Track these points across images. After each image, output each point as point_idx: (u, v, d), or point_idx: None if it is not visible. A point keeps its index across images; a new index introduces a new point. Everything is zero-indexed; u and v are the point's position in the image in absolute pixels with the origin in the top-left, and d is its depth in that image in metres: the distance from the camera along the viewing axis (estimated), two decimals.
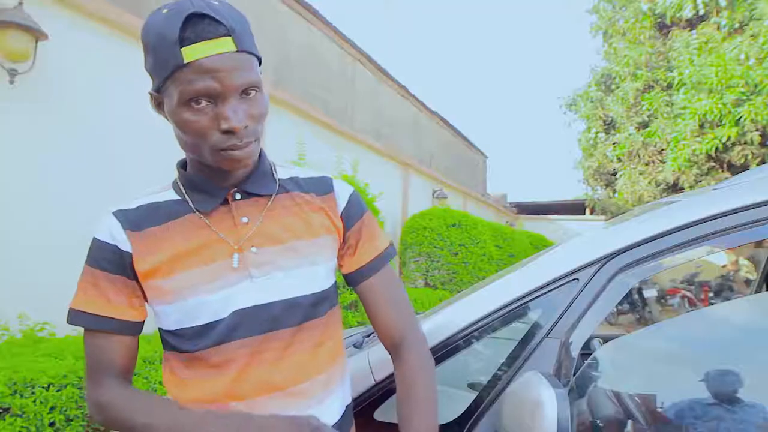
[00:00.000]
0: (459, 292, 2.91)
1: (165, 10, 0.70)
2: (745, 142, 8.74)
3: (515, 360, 0.99)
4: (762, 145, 8.82)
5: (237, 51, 0.70)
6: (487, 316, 1.03)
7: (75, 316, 0.79)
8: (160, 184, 0.88)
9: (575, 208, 17.34)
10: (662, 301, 8.10)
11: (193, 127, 0.72)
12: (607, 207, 12.89)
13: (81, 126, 3.48)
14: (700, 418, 1.01)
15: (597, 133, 12.19)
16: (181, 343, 0.79)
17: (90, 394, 0.80)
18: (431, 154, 11.04)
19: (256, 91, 0.74)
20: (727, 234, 0.94)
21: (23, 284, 3.11)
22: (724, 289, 8.21)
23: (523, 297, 1.02)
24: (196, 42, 0.68)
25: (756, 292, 2.16)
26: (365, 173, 5.91)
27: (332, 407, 0.86)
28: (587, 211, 15.94)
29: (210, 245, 0.79)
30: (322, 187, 0.90)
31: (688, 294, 8.13)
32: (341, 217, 0.89)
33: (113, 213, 0.81)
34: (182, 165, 0.87)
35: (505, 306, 1.03)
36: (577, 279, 0.99)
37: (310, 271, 0.83)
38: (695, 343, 1.14)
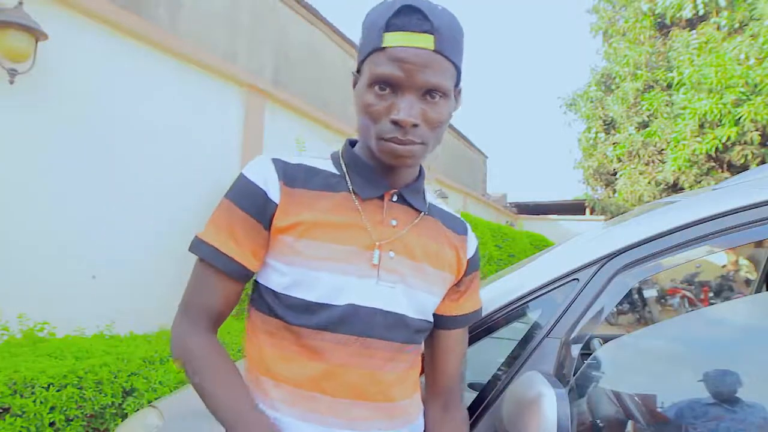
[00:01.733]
0: None
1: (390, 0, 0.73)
2: (745, 142, 8.74)
3: (515, 360, 0.99)
4: (762, 145, 8.82)
5: (434, 51, 0.71)
6: (487, 317, 1.03)
7: (199, 246, 0.78)
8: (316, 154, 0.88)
9: (575, 208, 17.33)
10: (662, 301, 8.10)
11: (370, 109, 0.73)
12: (607, 207, 12.88)
13: (81, 126, 3.48)
14: (700, 418, 1.01)
15: (597, 133, 12.19)
16: (281, 309, 0.77)
17: (179, 328, 0.79)
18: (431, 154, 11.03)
19: (441, 96, 0.73)
20: (727, 234, 0.93)
21: (23, 284, 3.11)
22: (724, 289, 8.20)
23: (523, 297, 1.02)
24: (399, 30, 0.70)
25: (756, 292, 2.16)
26: None
27: None
28: (587, 211, 15.94)
29: (354, 228, 0.78)
30: (459, 227, 0.91)
31: (688, 294, 8.13)
32: (467, 261, 0.90)
33: (273, 159, 0.79)
34: (351, 143, 0.86)
35: (504, 306, 1.03)
36: (577, 279, 0.99)
37: (426, 299, 0.83)
38: (695, 343, 1.14)
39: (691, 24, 10.31)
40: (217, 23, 5.07)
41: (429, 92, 0.72)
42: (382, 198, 0.81)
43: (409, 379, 0.84)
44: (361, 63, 0.76)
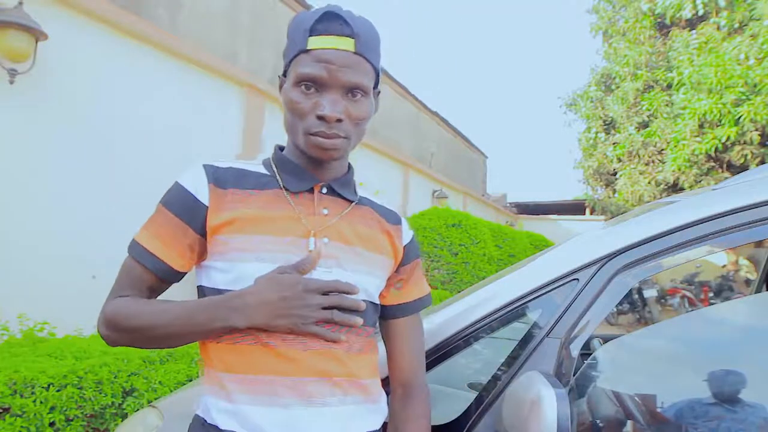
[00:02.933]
0: (459, 292, 2.91)
1: (314, 8, 0.80)
2: (745, 142, 8.75)
3: (515, 360, 0.99)
4: (761, 144, 8.83)
5: (354, 53, 0.78)
6: (487, 316, 1.03)
7: (133, 247, 0.84)
8: (246, 159, 0.91)
9: (575, 208, 17.32)
10: (662, 301, 8.10)
11: (296, 107, 0.79)
12: (607, 207, 12.88)
13: (81, 126, 3.48)
14: (700, 418, 1.01)
15: (597, 133, 12.19)
16: None
17: (102, 310, 0.82)
18: (431, 154, 11.04)
19: (362, 95, 0.80)
20: (727, 234, 0.94)
21: (23, 284, 3.11)
22: (724, 289, 8.20)
23: (523, 297, 1.02)
24: (322, 34, 0.77)
25: (756, 292, 2.15)
26: (365, 173, 5.91)
27: (372, 422, 0.86)
28: (587, 211, 15.93)
29: (288, 220, 0.82)
30: (392, 217, 0.96)
31: (688, 294, 8.13)
32: (403, 248, 0.94)
33: (203, 165, 0.84)
34: (280, 148, 0.92)
35: (505, 306, 1.03)
36: (577, 279, 0.99)
37: (363, 280, 0.85)
38: (695, 343, 1.14)
39: (691, 24, 10.31)
40: (217, 23, 5.08)
41: (351, 90, 0.79)
42: (312, 191, 0.85)
43: (366, 360, 0.86)
44: (287, 66, 0.82)
